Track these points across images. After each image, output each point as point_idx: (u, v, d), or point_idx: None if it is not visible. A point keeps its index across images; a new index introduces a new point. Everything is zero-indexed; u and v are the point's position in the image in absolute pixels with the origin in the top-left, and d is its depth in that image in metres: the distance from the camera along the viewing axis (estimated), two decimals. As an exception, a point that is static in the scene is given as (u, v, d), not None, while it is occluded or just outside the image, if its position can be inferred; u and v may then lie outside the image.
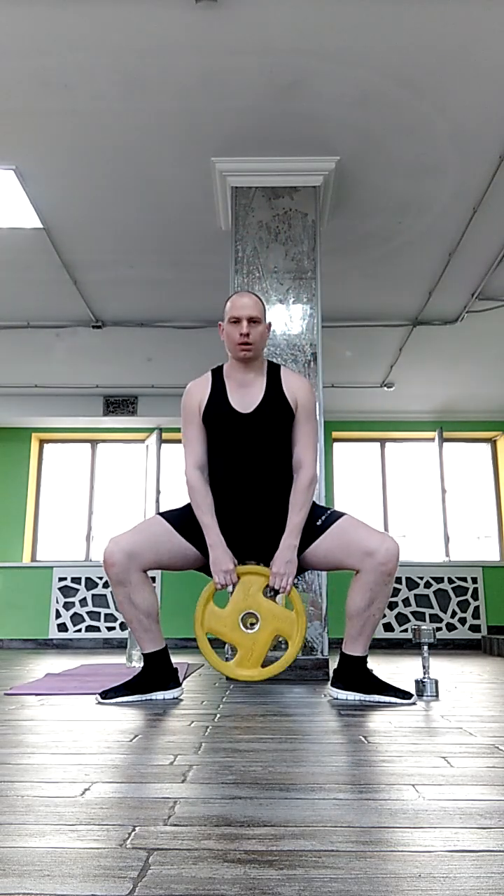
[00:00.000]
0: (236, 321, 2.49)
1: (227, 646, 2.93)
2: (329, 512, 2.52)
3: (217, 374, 2.59)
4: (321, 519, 2.49)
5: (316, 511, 2.53)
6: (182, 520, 2.51)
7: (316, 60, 3.05)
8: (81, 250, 4.58)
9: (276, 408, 2.50)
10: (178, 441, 6.87)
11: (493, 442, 7.93)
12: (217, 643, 2.64)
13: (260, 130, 3.47)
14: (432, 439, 7.78)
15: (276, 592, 2.47)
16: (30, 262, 4.69)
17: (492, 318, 5.37)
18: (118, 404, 7.15)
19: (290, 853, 0.89)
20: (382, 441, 7.90)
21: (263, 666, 2.47)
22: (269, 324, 2.63)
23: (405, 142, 3.55)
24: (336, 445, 7.80)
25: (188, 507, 2.55)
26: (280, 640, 2.59)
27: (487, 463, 7.91)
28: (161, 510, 2.61)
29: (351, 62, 3.05)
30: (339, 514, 2.50)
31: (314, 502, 2.57)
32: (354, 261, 4.68)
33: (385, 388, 6.92)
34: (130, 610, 2.44)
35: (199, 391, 2.55)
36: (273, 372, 2.58)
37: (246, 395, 2.52)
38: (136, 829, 0.99)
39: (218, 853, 0.89)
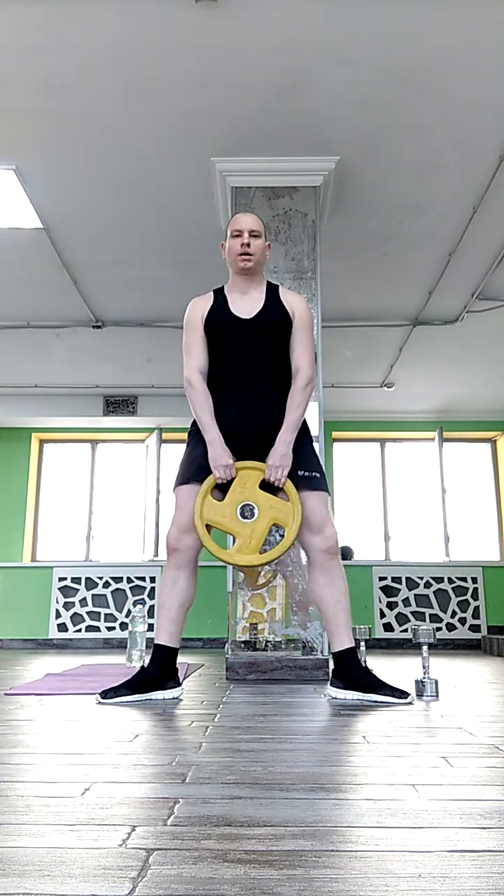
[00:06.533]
0: (238, 234, 2.60)
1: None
2: (316, 476, 2.56)
3: (219, 291, 2.70)
4: (307, 473, 2.54)
5: (309, 461, 2.57)
6: (192, 469, 2.55)
7: (316, 60, 3.05)
8: (81, 250, 4.58)
9: (275, 314, 2.60)
10: (179, 441, 6.89)
11: (493, 442, 7.93)
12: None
13: (260, 130, 3.47)
14: (432, 439, 7.78)
15: (274, 486, 2.51)
16: (30, 262, 4.69)
17: (492, 318, 5.37)
18: (118, 404, 7.15)
19: (290, 853, 0.89)
20: (382, 441, 7.90)
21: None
22: (269, 244, 2.73)
23: (405, 142, 3.55)
24: (336, 445, 7.80)
25: (187, 451, 2.60)
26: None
27: (487, 463, 7.91)
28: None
29: (351, 62, 3.05)
30: (320, 486, 2.55)
31: (315, 452, 2.64)
32: (354, 261, 4.68)
33: (385, 388, 6.92)
34: (170, 593, 2.50)
35: (201, 304, 2.66)
36: (272, 287, 2.69)
37: (246, 304, 2.62)
38: (136, 829, 0.99)
39: (218, 853, 0.89)
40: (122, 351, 6.17)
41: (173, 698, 2.47)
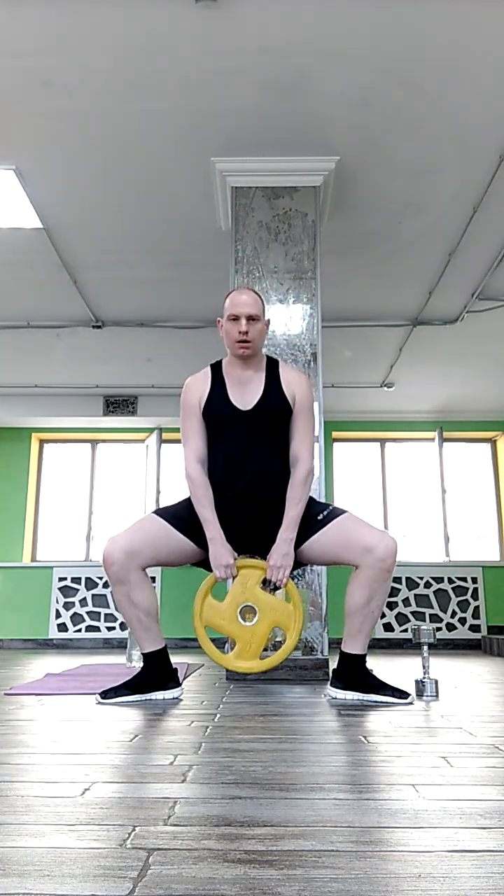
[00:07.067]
0: (235, 319, 2.50)
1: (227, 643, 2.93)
2: (330, 508, 2.54)
3: (216, 370, 2.60)
4: (322, 514, 2.50)
5: (317, 506, 2.55)
6: (178, 515, 2.52)
7: (316, 60, 3.05)
8: (81, 250, 4.58)
9: (275, 404, 2.52)
10: (178, 441, 6.87)
11: (493, 442, 7.93)
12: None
13: (260, 130, 3.47)
14: (432, 439, 7.78)
15: (275, 587, 2.48)
16: (30, 262, 4.69)
17: (492, 318, 5.37)
18: (118, 404, 7.16)
19: (290, 853, 0.89)
20: (382, 441, 7.90)
21: (262, 658, 2.48)
22: (268, 321, 2.63)
23: (405, 142, 3.55)
24: (336, 445, 7.80)
25: (184, 503, 2.56)
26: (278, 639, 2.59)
27: (487, 463, 7.91)
28: (157, 507, 2.61)
29: (351, 62, 3.05)
30: (341, 511, 2.52)
31: (315, 498, 2.60)
32: (354, 261, 4.68)
33: (385, 388, 6.92)
34: (130, 609, 2.44)
35: (198, 387, 2.57)
36: (272, 368, 2.59)
37: (245, 392, 2.53)
38: (136, 829, 0.99)
39: (218, 853, 0.89)
40: (122, 351, 6.17)
41: (173, 698, 2.47)
